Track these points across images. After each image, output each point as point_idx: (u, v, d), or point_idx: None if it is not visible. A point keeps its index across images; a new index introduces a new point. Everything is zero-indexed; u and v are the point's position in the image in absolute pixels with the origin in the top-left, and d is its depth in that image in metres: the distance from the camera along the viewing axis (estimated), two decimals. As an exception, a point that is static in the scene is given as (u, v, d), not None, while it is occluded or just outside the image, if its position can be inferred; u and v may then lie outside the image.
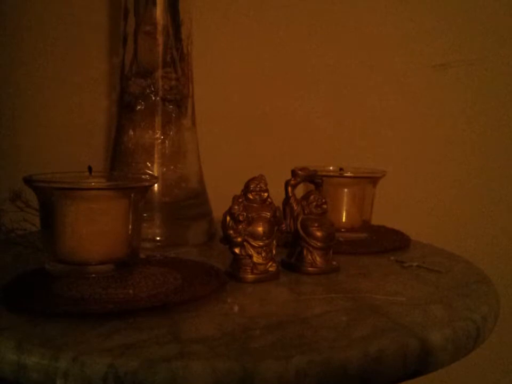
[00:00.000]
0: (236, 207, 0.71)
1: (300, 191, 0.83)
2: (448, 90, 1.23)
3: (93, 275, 0.67)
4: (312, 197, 0.79)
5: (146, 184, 0.73)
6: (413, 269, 0.80)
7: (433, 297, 0.67)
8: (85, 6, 1.23)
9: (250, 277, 0.71)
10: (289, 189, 0.80)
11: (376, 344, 0.52)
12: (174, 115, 0.96)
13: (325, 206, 0.78)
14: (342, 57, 1.24)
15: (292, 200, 0.79)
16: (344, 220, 0.95)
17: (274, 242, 0.74)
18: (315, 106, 1.26)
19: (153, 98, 0.94)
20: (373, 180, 0.96)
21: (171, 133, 0.95)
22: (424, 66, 1.23)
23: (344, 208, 0.95)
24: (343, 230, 0.94)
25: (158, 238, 0.92)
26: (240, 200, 0.72)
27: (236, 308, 0.62)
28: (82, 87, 1.24)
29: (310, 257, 0.77)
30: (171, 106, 0.96)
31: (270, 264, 0.73)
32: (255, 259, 0.71)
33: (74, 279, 0.66)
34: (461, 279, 0.76)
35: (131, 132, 0.95)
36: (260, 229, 0.72)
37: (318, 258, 0.77)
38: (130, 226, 0.70)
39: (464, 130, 1.23)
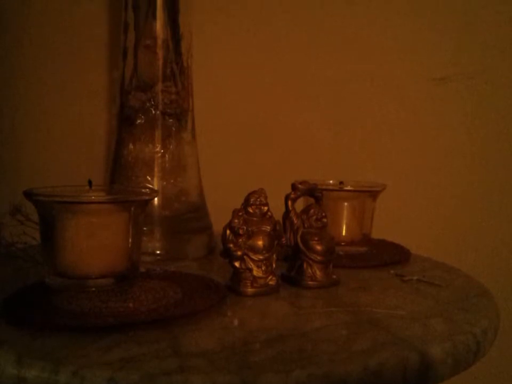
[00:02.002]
0: (236, 220, 0.71)
1: (300, 204, 0.83)
2: (448, 103, 1.23)
3: (93, 289, 0.67)
4: (312, 210, 0.79)
5: (146, 198, 0.73)
6: (413, 283, 0.80)
7: (433, 311, 0.67)
8: (86, 19, 1.23)
9: (250, 290, 0.71)
10: (289, 202, 0.80)
11: (376, 357, 0.52)
12: (174, 129, 0.96)
13: (325, 220, 0.79)
14: (342, 69, 1.25)
15: (291, 214, 0.79)
16: (344, 233, 0.95)
17: (274, 256, 0.74)
18: (315, 118, 1.26)
19: (153, 112, 0.94)
20: (373, 193, 0.96)
21: (171, 146, 0.96)
22: (424, 79, 1.23)
23: (344, 222, 0.95)
24: (343, 243, 0.94)
25: (158, 252, 0.92)
26: (240, 213, 0.72)
27: (236, 322, 0.62)
28: (82, 100, 1.25)
29: (310, 271, 0.77)
30: (171, 120, 0.96)
31: (270, 277, 0.73)
32: (255, 273, 0.71)
33: (74, 293, 0.66)
34: (461, 292, 0.76)
35: (131, 146, 0.95)
36: (260, 243, 0.72)
37: (318, 272, 0.77)
38: (130, 240, 0.70)
39: (464, 143, 1.23)
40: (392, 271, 0.86)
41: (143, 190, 0.79)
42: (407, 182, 1.24)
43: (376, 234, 1.01)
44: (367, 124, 1.25)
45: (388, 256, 0.94)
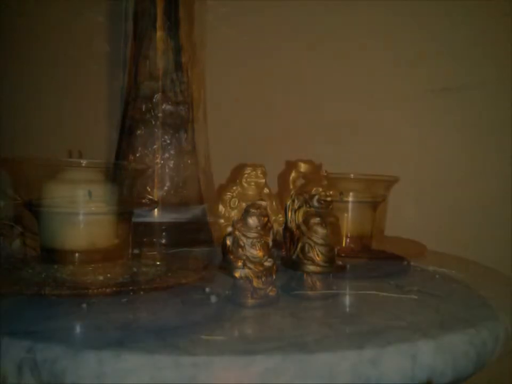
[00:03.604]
0: (236, 231, 0.71)
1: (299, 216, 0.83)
2: (448, 114, 1.23)
3: (93, 300, 0.67)
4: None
5: (147, 208, 0.73)
6: (413, 294, 0.80)
7: (433, 322, 0.67)
8: (87, 29, 1.24)
9: (250, 301, 0.71)
10: (289, 212, 0.80)
11: (377, 368, 0.52)
12: (174, 139, 0.96)
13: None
14: (343, 80, 1.25)
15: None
16: (344, 244, 0.95)
17: (274, 266, 0.74)
18: (315, 130, 1.26)
19: (153, 122, 0.94)
20: (373, 204, 0.96)
21: (171, 157, 0.96)
22: (424, 90, 1.23)
23: (344, 232, 0.95)
24: (343, 254, 0.94)
25: (158, 263, 0.92)
26: (240, 224, 0.72)
27: (236, 333, 0.62)
28: (82, 110, 1.25)
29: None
30: (171, 131, 0.96)
31: (270, 288, 0.73)
32: (255, 283, 0.71)
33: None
34: (461, 303, 0.76)
35: (131, 157, 0.95)
36: (260, 253, 0.72)
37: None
38: (130, 251, 0.70)
39: (464, 154, 1.23)
40: (392, 282, 0.86)
41: (143, 201, 0.79)
42: (407, 193, 1.24)
43: (375, 245, 1.01)
44: (367, 135, 1.25)
45: (388, 267, 0.94)
